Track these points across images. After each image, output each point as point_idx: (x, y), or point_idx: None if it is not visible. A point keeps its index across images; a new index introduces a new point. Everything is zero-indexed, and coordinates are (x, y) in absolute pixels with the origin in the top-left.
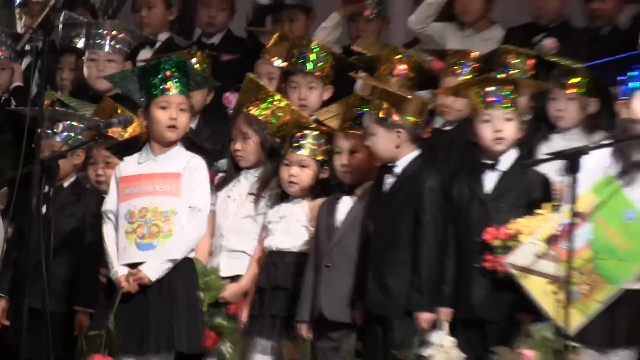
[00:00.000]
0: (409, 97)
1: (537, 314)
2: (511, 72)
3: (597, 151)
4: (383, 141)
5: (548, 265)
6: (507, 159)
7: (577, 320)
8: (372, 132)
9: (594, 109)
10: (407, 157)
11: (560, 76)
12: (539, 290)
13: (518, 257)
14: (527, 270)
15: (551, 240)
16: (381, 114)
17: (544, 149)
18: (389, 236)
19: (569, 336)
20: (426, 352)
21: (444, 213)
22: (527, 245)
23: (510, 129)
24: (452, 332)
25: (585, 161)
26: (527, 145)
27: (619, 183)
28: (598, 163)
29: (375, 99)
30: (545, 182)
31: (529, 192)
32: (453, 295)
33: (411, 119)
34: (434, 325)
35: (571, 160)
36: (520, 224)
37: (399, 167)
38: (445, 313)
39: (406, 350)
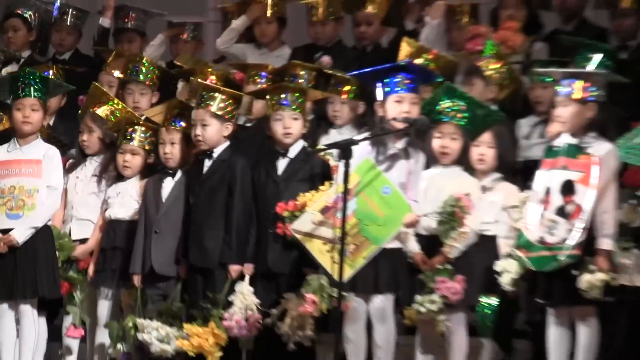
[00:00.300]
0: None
1: (318, 268)
2: (298, 82)
3: (363, 142)
4: (215, 131)
5: (324, 230)
6: (295, 149)
7: (347, 272)
8: (207, 123)
9: (362, 110)
10: (221, 146)
11: (335, 85)
12: (318, 250)
13: (301, 224)
14: (308, 234)
15: (326, 210)
16: (219, 111)
17: (324, 141)
18: (207, 206)
19: (341, 285)
20: (231, 297)
21: (250, 189)
22: (308, 215)
23: (296, 126)
24: (253, 283)
25: (354, 150)
26: (311, 138)
27: (377, 166)
28: (361, 151)
29: (217, 99)
30: (325, 165)
31: (312, 174)
32: (254, 254)
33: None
34: (242, 277)
35: (344, 149)
36: (306, 197)
37: (216, 153)
38: (247, 267)
39: (219, 294)
